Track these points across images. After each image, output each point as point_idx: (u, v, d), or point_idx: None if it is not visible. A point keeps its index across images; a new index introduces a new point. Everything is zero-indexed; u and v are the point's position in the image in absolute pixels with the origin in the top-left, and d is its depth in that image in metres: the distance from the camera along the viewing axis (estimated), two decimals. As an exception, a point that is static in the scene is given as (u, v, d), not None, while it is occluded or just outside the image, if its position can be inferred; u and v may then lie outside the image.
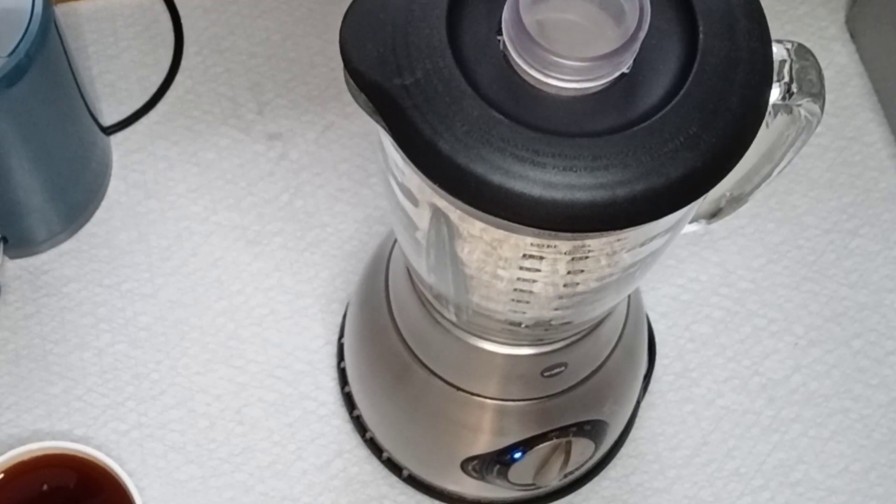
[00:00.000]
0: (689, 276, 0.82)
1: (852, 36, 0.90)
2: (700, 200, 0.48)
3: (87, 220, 0.82)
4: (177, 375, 0.78)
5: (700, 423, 0.78)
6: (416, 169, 0.46)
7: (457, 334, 0.63)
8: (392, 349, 0.68)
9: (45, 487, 0.70)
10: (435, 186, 0.46)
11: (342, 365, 0.78)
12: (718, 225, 0.84)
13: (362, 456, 0.76)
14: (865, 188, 0.86)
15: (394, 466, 0.75)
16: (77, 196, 0.81)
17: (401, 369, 0.68)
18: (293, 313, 0.80)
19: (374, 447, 0.76)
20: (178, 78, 0.87)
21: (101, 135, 0.82)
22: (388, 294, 0.68)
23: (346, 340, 0.76)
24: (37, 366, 0.78)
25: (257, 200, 0.83)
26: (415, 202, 0.51)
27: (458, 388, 0.66)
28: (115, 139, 0.85)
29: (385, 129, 0.46)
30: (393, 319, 0.68)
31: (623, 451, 0.77)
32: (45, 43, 0.68)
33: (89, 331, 0.79)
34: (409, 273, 0.64)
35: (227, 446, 0.76)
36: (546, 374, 0.64)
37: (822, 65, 0.52)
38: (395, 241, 0.67)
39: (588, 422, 0.67)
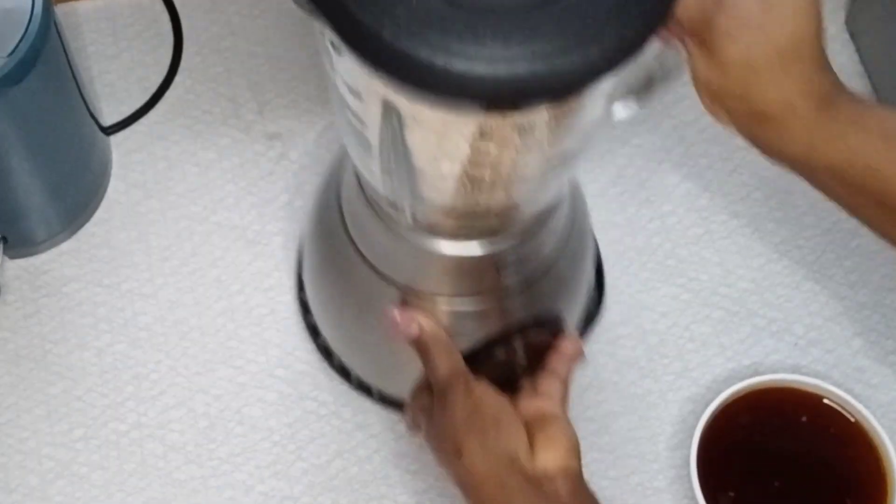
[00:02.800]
0: (689, 276, 0.82)
1: (852, 36, 0.90)
2: (633, 64, 0.49)
3: (86, 220, 0.82)
4: (176, 375, 0.78)
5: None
6: (362, 61, 0.47)
7: (411, 239, 0.64)
8: (349, 264, 0.69)
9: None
10: (382, 76, 0.47)
11: (302, 296, 0.79)
12: (718, 224, 0.84)
13: (362, 456, 0.76)
14: (865, 188, 0.86)
15: (364, 389, 0.77)
16: (77, 196, 0.81)
17: (358, 283, 0.70)
18: (293, 313, 0.80)
19: (343, 372, 0.77)
20: (178, 78, 0.87)
21: (101, 135, 0.82)
22: (341, 211, 0.69)
23: (305, 272, 0.78)
24: (36, 366, 0.78)
25: (257, 200, 0.83)
26: (360, 98, 0.52)
27: (417, 293, 0.67)
28: (115, 139, 0.85)
29: (328, 26, 0.47)
30: (349, 235, 0.69)
31: (623, 451, 0.77)
32: (45, 43, 0.68)
33: (89, 331, 0.79)
34: (360, 184, 0.65)
35: (227, 446, 0.76)
36: (500, 270, 0.66)
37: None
38: (347, 156, 0.68)
39: (544, 316, 0.70)
